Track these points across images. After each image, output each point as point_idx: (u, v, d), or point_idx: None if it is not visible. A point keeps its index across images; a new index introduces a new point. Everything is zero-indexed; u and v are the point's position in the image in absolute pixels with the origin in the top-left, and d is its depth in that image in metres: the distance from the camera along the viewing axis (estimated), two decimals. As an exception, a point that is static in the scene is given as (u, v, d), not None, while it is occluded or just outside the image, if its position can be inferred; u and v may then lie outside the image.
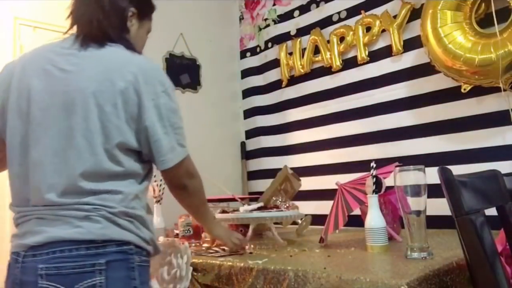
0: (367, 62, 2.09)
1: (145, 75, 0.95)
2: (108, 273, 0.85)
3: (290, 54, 2.44)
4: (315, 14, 2.35)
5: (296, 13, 2.46)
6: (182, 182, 1.07)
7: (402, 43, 1.95)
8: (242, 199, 1.92)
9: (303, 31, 2.40)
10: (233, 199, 1.87)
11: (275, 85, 2.55)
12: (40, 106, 0.93)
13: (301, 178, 1.87)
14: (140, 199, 0.97)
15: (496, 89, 1.59)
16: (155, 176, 1.70)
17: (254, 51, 2.71)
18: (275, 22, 2.57)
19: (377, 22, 2.04)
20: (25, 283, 0.87)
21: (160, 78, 0.99)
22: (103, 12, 0.99)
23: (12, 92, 0.97)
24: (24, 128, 0.94)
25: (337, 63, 2.20)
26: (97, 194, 0.90)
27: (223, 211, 1.67)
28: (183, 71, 2.48)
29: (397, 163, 1.45)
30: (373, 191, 1.31)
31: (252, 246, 1.48)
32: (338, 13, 2.23)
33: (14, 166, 0.95)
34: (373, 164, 1.36)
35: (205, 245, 1.60)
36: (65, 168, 0.90)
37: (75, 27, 1.05)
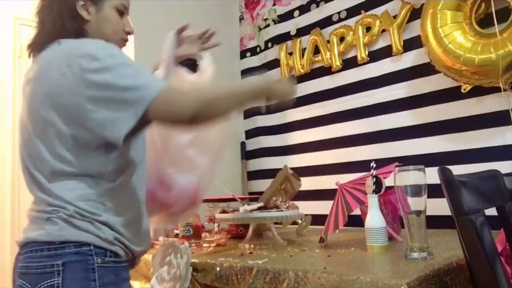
0: (367, 62, 2.09)
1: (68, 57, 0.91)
2: (65, 274, 0.87)
3: (290, 54, 2.44)
4: (315, 14, 2.35)
5: (296, 13, 2.46)
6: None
7: (402, 43, 1.95)
8: (242, 199, 1.92)
9: (303, 31, 2.40)
10: (233, 199, 1.87)
11: (275, 85, 2.54)
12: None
13: (301, 178, 1.87)
14: (103, 202, 0.93)
15: (496, 89, 1.59)
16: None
17: (254, 51, 2.71)
18: (275, 22, 2.57)
19: (377, 22, 2.04)
20: (14, 281, 0.94)
21: (80, 52, 0.91)
22: (54, 19, 0.99)
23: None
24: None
25: (337, 63, 2.20)
26: (56, 195, 0.91)
27: (223, 211, 1.68)
28: (183, 71, 2.48)
29: (397, 163, 1.45)
30: (373, 191, 1.31)
31: (252, 246, 1.48)
32: (338, 13, 2.24)
33: None
34: (373, 164, 1.36)
35: (205, 245, 1.60)
36: (34, 171, 0.94)
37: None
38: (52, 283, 0.86)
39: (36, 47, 1.00)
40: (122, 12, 1.07)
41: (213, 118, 0.94)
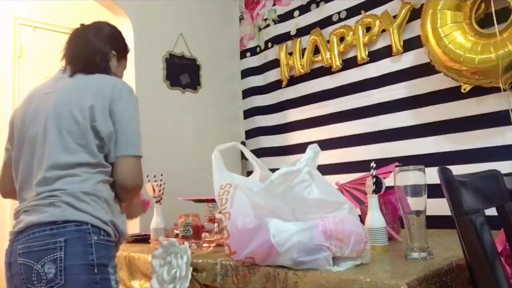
0: (367, 62, 2.10)
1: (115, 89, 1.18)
2: (67, 249, 1.03)
3: (290, 54, 2.44)
4: (315, 14, 2.35)
5: (296, 13, 2.46)
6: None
7: (402, 43, 1.95)
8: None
9: (303, 31, 2.40)
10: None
11: (275, 85, 2.55)
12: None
13: (301, 178, 1.86)
14: (103, 186, 1.13)
15: (496, 89, 1.59)
16: (155, 176, 1.72)
17: (254, 51, 2.71)
18: (275, 22, 2.57)
19: (377, 22, 2.04)
20: (12, 263, 1.08)
21: (122, 89, 1.19)
22: (90, 53, 1.26)
23: (16, 117, 1.25)
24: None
25: (337, 63, 2.20)
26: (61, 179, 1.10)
27: (223, 211, 1.67)
28: (183, 71, 2.49)
29: (397, 163, 1.45)
30: (373, 191, 1.31)
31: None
32: (338, 13, 2.24)
33: None
34: (373, 164, 1.36)
35: (205, 245, 1.60)
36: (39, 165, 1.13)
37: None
38: (55, 257, 1.02)
39: (75, 70, 1.24)
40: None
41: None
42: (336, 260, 1.03)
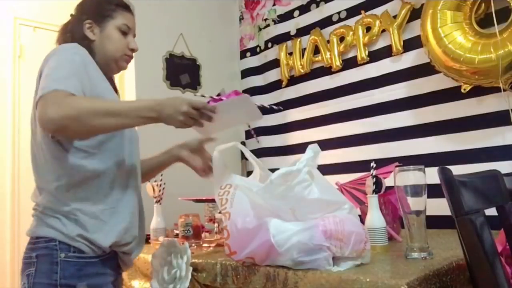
0: (367, 62, 2.09)
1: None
2: (38, 265, 1.00)
3: (290, 54, 2.44)
4: (315, 14, 2.35)
5: (296, 13, 2.46)
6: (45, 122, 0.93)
7: (402, 43, 1.95)
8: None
9: (303, 31, 2.40)
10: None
11: (275, 85, 2.55)
12: None
13: (301, 178, 1.86)
14: (74, 192, 1.02)
15: (496, 89, 1.59)
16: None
17: (254, 51, 2.71)
18: (275, 22, 2.57)
19: (377, 22, 2.04)
20: None
21: (55, 50, 1.07)
22: (69, 38, 1.16)
23: None
24: None
25: (337, 63, 2.20)
26: (39, 191, 1.06)
27: (223, 211, 1.67)
28: (183, 71, 2.49)
29: (397, 163, 1.45)
30: (373, 191, 1.31)
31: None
32: (338, 13, 2.24)
33: None
34: (373, 164, 1.36)
35: (205, 245, 1.60)
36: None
37: None
38: (29, 272, 1.00)
39: None
40: (124, 31, 1.18)
41: (82, 131, 0.97)
42: (336, 260, 1.03)
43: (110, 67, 1.16)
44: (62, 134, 0.98)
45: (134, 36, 1.22)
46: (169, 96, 1.01)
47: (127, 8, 1.20)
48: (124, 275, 1.55)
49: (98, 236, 1.03)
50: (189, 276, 1.23)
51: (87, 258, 1.02)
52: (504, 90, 1.54)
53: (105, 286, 1.06)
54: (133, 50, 1.20)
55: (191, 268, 1.26)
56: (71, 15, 1.21)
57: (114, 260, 1.11)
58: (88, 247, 1.02)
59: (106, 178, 1.07)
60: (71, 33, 1.16)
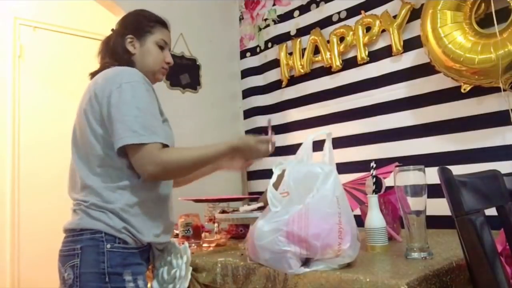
0: (367, 62, 2.09)
1: (106, 78, 1.14)
2: (82, 256, 1.06)
3: (290, 54, 2.44)
4: (315, 14, 2.35)
5: (296, 13, 2.46)
6: (145, 169, 1.08)
7: (402, 43, 1.95)
8: (242, 199, 1.92)
9: (303, 31, 2.40)
10: (233, 199, 1.86)
11: (275, 85, 2.55)
12: None
13: (301, 178, 1.86)
14: (120, 194, 1.11)
15: (496, 89, 1.59)
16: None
17: (254, 51, 2.71)
18: (275, 22, 2.57)
19: (377, 22, 2.04)
20: None
21: (116, 78, 1.12)
22: (111, 56, 1.26)
23: None
24: None
25: (337, 63, 2.20)
26: (86, 188, 1.12)
27: (223, 211, 1.67)
28: (183, 71, 2.49)
29: (397, 163, 1.45)
30: (373, 191, 1.31)
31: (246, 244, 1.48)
32: (338, 13, 2.24)
33: None
34: (373, 164, 1.36)
35: (205, 245, 1.60)
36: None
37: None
38: (73, 263, 1.06)
39: (96, 73, 1.22)
40: (162, 46, 1.30)
41: (175, 178, 1.25)
42: (312, 260, 1.03)
43: (148, 79, 1.22)
44: (157, 180, 1.17)
45: (170, 50, 1.34)
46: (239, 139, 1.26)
47: (164, 25, 1.33)
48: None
49: (141, 232, 1.12)
50: (189, 276, 1.23)
51: (130, 249, 1.11)
52: (504, 90, 1.54)
53: (143, 275, 1.14)
54: (168, 64, 1.32)
55: (190, 268, 1.26)
56: (112, 29, 1.32)
57: (148, 252, 1.20)
58: (132, 239, 1.10)
59: (154, 190, 1.18)
60: (114, 46, 1.26)
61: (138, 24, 1.30)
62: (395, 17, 1.97)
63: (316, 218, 1.00)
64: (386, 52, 2.02)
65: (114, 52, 1.25)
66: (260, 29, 2.67)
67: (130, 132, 1.05)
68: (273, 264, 1.07)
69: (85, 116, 1.13)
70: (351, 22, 2.16)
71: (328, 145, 1.20)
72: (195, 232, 1.65)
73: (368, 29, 2.09)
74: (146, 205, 1.14)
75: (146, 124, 1.08)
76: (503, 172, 1.05)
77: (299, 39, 2.39)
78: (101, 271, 1.05)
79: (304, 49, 2.37)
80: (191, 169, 1.18)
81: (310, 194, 1.03)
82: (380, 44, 2.05)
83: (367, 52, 2.09)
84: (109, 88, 1.10)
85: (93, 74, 1.24)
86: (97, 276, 1.05)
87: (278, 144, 2.48)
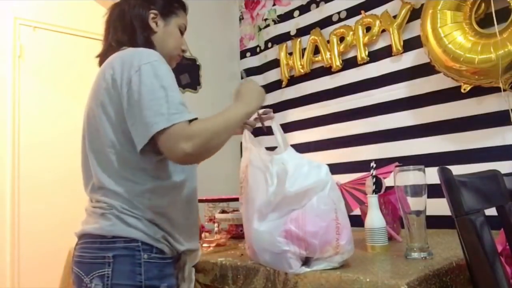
0: (367, 62, 2.09)
1: (122, 63, 0.99)
2: (115, 266, 0.95)
3: (290, 54, 2.44)
4: (315, 14, 2.35)
5: (296, 13, 2.46)
6: (179, 147, 0.92)
7: (402, 43, 1.95)
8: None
9: (303, 31, 2.40)
10: (233, 199, 1.87)
11: (275, 85, 2.55)
12: None
13: (301, 178, 1.86)
14: (149, 198, 1.00)
15: (496, 89, 1.59)
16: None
17: (254, 51, 2.71)
18: (275, 22, 2.57)
19: (377, 22, 2.04)
20: (72, 268, 1.03)
21: (133, 61, 0.98)
22: (125, 27, 1.10)
23: None
24: None
25: (337, 63, 2.20)
26: (110, 193, 1.00)
27: (223, 211, 1.67)
28: (183, 71, 2.49)
29: (397, 163, 1.45)
30: (373, 191, 1.31)
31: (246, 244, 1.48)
32: (338, 13, 2.24)
33: None
34: (373, 164, 1.36)
35: (205, 245, 1.60)
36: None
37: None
38: (103, 272, 0.94)
39: (106, 54, 1.08)
40: (182, 31, 1.20)
41: (211, 154, 0.99)
42: (312, 260, 1.03)
43: None
44: (195, 162, 1.03)
45: None
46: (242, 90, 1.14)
47: (185, 10, 1.23)
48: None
49: (178, 240, 1.05)
50: (193, 278, 1.22)
51: (167, 259, 1.03)
52: (504, 90, 1.54)
53: (175, 287, 1.07)
54: (184, 51, 1.24)
55: (193, 269, 1.26)
56: None
57: (176, 262, 1.11)
58: (169, 248, 1.03)
59: (183, 188, 1.08)
60: (132, 18, 1.10)
61: (167, 1, 1.17)
62: (395, 17, 1.97)
63: (312, 216, 1.00)
64: (386, 52, 2.02)
65: (130, 26, 1.10)
66: (260, 29, 2.67)
67: (160, 116, 0.92)
68: (273, 265, 1.07)
69: (102, 108, 1.00)
70: (351, 22, 2.16)
71: (275, 127, 1.22)
72: (195, 232, 1.64)
73: (368, 29, 2.09)
74: (177, 207, 1.05)
75: (175, 102, 0.94)
76: (503, 172, 1.05)
77: (299, 39, 2.39)
78: (138, 284, 0.95)
79: (304, 49, 2.37)
80: (223, 137, 1.00)
81: (306, 196, 1.02)
82: (380, 44, 2.05)
83: (367, 52, 2.09)
84: (127, 74, 0.96)
85: (101, 56, 1.11)
86: None
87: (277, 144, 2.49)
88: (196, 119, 0.97)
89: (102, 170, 1.01)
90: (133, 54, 1.00)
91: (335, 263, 1.01)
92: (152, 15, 1.13)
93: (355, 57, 2.14)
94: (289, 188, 1.01)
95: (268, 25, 2.61)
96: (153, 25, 1.13)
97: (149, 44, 1.10)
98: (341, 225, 1.01)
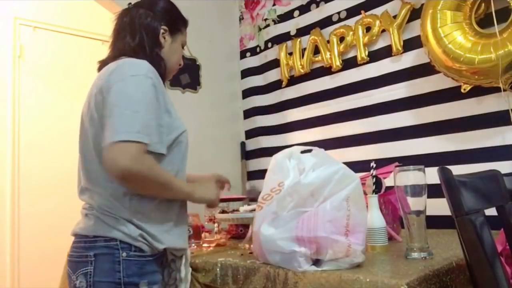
0: (367, 62, 2.09)
1: (113, 71, 1.03)
2: (96, 264, 1.00)
3: (290, 54, 2.44)
4: (315, 14, 2.35)
5: (296, 13, 2.46)
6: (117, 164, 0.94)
7: (402, 43, 1.95)
8: (241, 199, 1.92)
9: (303, 31, 2.40)
10: (233, 199, 1.86)
11: (275, 85, 2.55)
12: None
13: (301, 178, 1.86)
14: (130, 199, 1.02)
15: (496, 89, 1.59)
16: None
17: (254, 51, 2.71)
18: (275, 22, 2.57)
19: (377, 22, 2.04)
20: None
21: (122, 70, 1.02)
22: (134, 35, 1.13)
23: None
24: None
25: (337, 63, 2.20)
26: (93, 194, 1.05)
27: (223, 211, 1.67)
28: (183, 71, 2.48)
29: (397, 163, 1.45)
30: (373, 191, 1.31)
31: (252, 246, 1.48)
32: (338, 13, 2.24)
33: None
34: (373, 164, 1.36)
35: (205, 245, 1.60)
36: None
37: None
38: (86, 270, 1.00)
39: (106, 61, 1.11)
40: (182, 47, 1.27)
41: (139, 190, 1.02)
42: (322, 261, 1.03)
43: (164, 76, 1.17)
44: (122, 183, 1.00)
45: None
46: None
47: (186, 27, 1.29)
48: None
49: (157, 239, 1.05)
50: (189, 278, 1.22)
51: (147, 257, 1.04)
52: (504, 90, 1.54)
53: (159, 284, 1.09)
54: (180, 66, 1.28)
55: (190, 269, 1.26)
56: (131, 4, 1.18)
57: (162, 258, 1.13)
58: (148, 247, 1.04)
59: None
60: (143, 26, 1.14)
61: (175, 18, 1.22)
62: (395, 17, 1.97)
63: (324, 221, 1.01)
64: (386, 52, 2.02)
65: (139, 34, 1.13)
66: (260, 29, 2.67)
67: (128, 128, 0.95)
68: (283, 264, 1.07)
69: (90, 113, 1.04)
70: (351, 22, 2.16)
71: None
72: (195, 232, 1.65)
73: (368, 29, 2.09)
74: (160, 209, 1.07)
75: (144, 122, 0.97)
76: (503, 172, 1.05)
77: (299, 39, 2.39)
78: (117, 281, 0.99)
79: (304, 49, 2.37)
80: (158, 189, 1.03)
81: (320, 197, 1.04)
82: (380, 44, 2.05)
83: (367, 52, 2.09)
84: (113, 81, 1.00)
85: (101, 63, 1.14)
86: (112, 286, 0.99)
87: (278, 144, 2.49)
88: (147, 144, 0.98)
89: (87, 172, 1.07)
90: (123, 65, 1.05)
91: (346, 265, 1.01)
92: (162, 30, 1.17)
93: (355, 57, 2.14)
94: (303, 180, 1.05)
95: (268, 25, 2.61)
96: (162, 40, 1.17)
97: (157, 57, 1.14)
98: (354, 229, 1.01)
